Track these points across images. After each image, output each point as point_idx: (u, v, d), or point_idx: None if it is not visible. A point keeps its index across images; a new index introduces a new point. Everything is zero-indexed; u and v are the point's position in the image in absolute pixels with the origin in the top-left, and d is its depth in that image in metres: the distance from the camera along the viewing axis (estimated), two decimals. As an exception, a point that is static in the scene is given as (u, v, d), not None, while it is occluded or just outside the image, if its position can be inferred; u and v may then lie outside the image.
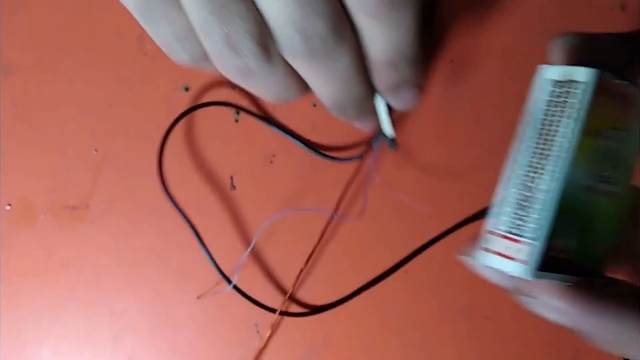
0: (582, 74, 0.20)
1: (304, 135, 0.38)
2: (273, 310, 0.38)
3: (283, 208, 0.38)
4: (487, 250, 0.21)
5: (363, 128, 0.30)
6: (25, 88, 0.40)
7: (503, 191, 0.21)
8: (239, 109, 0.39)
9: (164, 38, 0.24)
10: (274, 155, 0.39)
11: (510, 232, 0.21)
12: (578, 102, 0.20)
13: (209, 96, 0.39)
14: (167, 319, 0.39)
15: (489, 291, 0.38)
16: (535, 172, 0.20)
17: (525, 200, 0.20)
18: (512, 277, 0.21)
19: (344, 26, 0.23)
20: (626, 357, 0.21)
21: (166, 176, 0.39)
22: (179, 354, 0.39)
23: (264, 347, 0.38)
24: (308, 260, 0.38)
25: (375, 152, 0.37)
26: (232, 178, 0.39)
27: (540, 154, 0.20)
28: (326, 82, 0.25)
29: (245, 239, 0.38)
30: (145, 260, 0.39)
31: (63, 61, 0.40)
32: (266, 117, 0.39)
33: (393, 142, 0.34)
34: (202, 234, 0.38)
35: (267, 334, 0.38)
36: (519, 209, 0.21)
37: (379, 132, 0.34)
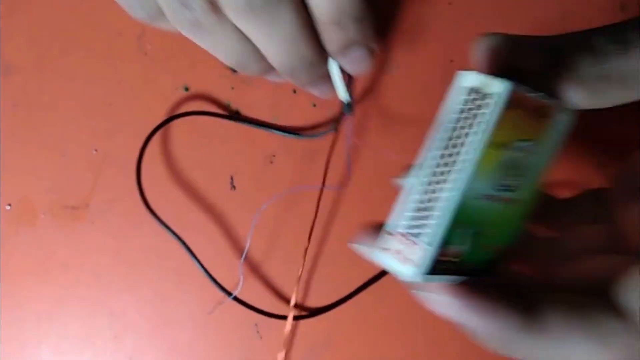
0: (495, 87, 0.20)
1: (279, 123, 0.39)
2: (276, 316, 0.38)
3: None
4: (383, 248, 0.22)
5: (319, 95, 0.30)
6: (25, 88, 0.40)
7: (407, 193, 0.22)
8: (229, 117, 0.39)
9: None
10: (274, 155, 0.39)
11: (407, 234, 0.21)
12: (488, 115, 0.20)
13: (209, 97, 0.39)
14: (167, 319, 0.39)
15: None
16: (438, 181, 0.21)
17: (426, 206, 0.21)
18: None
19: None
20: (512, 356, 0.22)
21: (166, 176, 0.39)
22: (179, 354, 0.39)
23: (264, 348, 0.38)
24: (305, 254, 0.38)
25: (348, 119, 0.37)
26: (232, 178, 0.39)
27: (445, 163, 0.21)
28: (271, 40, 0.25)
29: (245, 241, 0.39)
30: (145, 260, 0.39)
31: (63, 61, 0.40)
32: (255, 120, 0.39)
33: (349, 107, 0.34)
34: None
35: (268, 335, 0.38)
36: (419, 213, 0.21)
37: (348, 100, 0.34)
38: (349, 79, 0.29)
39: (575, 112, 0.22)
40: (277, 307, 0.38)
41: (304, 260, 0.38)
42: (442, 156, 0.21)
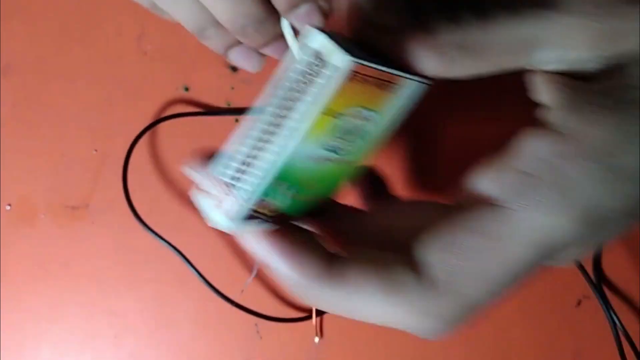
0: (336, 59, 0.20)
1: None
2: (275, 320, 0.38)
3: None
4: (203, 191, 0.22)
5: (276, 56, 0.30)
6: (25, 88, 0.40)
7: (236, 143, 0.21)
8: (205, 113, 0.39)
9: None
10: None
11: (228, 184, 0.21)
12: (324, 86, 0.20)
13: (208, 96, 0.39)
14: (167, 319, 0.39)
15: (489, 291, 0.38)
16: (266, 139, 0.21)
17: (250, 161, 0.21)
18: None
19: None
20: (315, 306, 0.22)
21: (166, 176, 0.39)
22: (179, 353, 0.39)
23: (264, 348, 0.38)
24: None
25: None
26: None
27: (276, 124, 0.21)
28: None
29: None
30: (145, 260, 0.39)
31: (63, 61, 0.40)
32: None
33: None
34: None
35: (267, 335, 0.38)
36: (242, 166, 0.21)
37: None
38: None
39: (425, 84, 0.22)
40: (277, 309, 0.38)
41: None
42: (274, 115, 0.21)
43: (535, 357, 0.38)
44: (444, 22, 0.21)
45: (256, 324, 0.38)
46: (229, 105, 0.39)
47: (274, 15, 0.26)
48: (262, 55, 0.26)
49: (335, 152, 0.22)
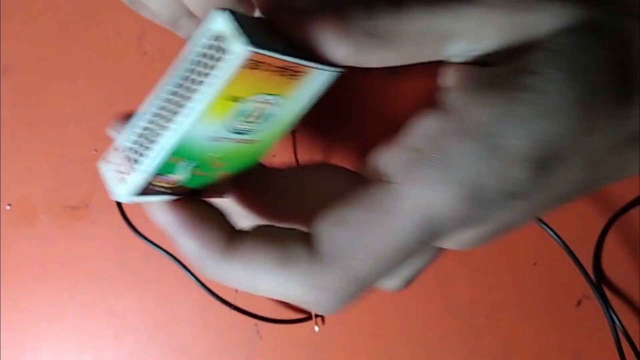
0: (234, 45, 0.19)
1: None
2: (275, 321, 0.38)
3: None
4: (107, 160, 0.22)
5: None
6: (25, 88, 0.40)
7: (139, 115, 0.21)
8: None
9: None
10: (274, 155, 0.39)
11: (129, 157, 0.21)
12: (222, 71, 0.19)
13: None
14: (168, 319, 0.39)
15: (489, 291, 0.38)
16: (166, 116, 0.21)
17: (149, 135, 0.21)
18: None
19: None
20: (214, 280, 0.22)
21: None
22: (179, 353, 0.39)
23: (264, 348, 0.38)
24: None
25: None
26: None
27: (176, 102, 0.21)
28: None
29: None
30: (145, 260, 0.39)
31: (63, 61, 0.40)
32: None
33: None
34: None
35: (267, 335, 0.38)
36: (142, 139, 0.21)
37: None
38: None
39: (333, 73, 0.22)
40: (277, 309, 0.38)
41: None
42: (175, 93, 0.21)
43: (535, 357, 0.38)
44: (358, 8, 0.21)
45: (256, 324, 0.38)
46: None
47: (246, 3, 0.26)
48: None
49: (241, 134, 0.22)
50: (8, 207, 0.39)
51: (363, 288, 0.21)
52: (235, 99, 0.20)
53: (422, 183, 0.20)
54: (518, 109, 0.19)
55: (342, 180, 0.23)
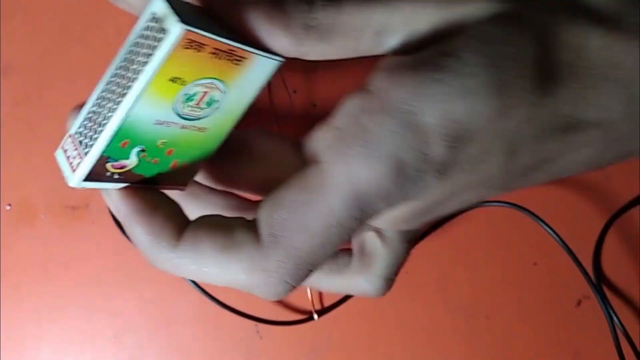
0: (171, 26, 0.19)
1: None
2: (275, 323, 0.38)
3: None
4: (62, 147, 0.22)
5: None
6: (25, 88, 0.40)
7: (88, 100, 0.22)
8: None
9: None
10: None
11: (78, 142, 0.22)
12: (158, 51, 0.20)
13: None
14: (168, 319, 0.39)
15: (489, 291, 0.38)
16: (109, 98, 0.21)
17: (94, 119, 0.21)
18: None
19: None
20: (158, 267, 0.23)
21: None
22: (179, 353, 0.39)
23: (264, 348, 0.38)
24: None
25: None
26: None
27: (118, 83, 0.21)
28: None
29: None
30: (145, 260, 0.39)
31: (63, 61, 0.40)
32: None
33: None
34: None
35: (267, 335, 0.38)
36: (89, 122, 0.21)
37: None
38: None
39: (275, 61, 0.22)
40: (277, 310, 0.38)
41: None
42: (117, 75, 0.21)
43: (535, 357, 0.38)
44: (297, 1, 0.21)
45: (256, 325, 0.38)
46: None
47: None
48: None
49: (188, 119, 0.22)
50: (8, 207, 0.39)
51: (307, 269, 0.22)
52: (178, 81, 0.20)
53: (346, 160, 0.21)
54: (434, 88, 0.20)
55: (289, 153, 0.23)
